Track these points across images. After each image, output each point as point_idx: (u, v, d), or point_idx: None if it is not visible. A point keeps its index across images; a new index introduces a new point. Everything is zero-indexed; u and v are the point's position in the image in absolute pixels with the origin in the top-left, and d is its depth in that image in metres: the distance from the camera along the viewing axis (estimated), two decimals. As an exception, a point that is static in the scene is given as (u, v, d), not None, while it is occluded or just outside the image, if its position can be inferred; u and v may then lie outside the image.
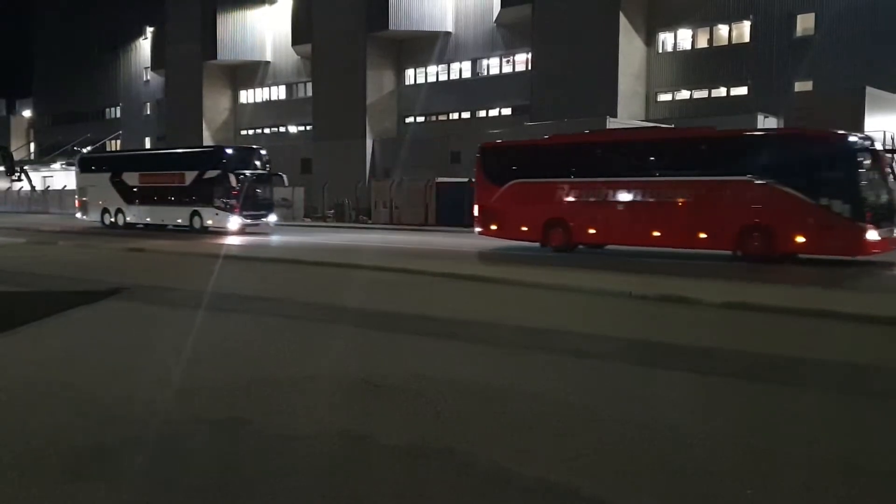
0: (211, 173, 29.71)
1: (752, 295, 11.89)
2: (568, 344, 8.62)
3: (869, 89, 26.56)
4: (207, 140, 59.16)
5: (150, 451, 5.17)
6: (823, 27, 34.24)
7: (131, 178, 33.26)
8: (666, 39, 39.86)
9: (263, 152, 31.74)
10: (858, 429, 5.72)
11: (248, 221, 29.74)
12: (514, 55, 45.53)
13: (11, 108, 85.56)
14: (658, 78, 39.90)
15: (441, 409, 6.04)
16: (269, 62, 58.07)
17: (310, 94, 53.21)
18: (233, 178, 28.98)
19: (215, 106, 60.03)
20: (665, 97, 40.05)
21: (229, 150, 31.41)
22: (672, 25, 39.27)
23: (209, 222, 30.06)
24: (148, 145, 67.35)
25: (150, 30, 64.99)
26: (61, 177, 63.20)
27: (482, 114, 47.43)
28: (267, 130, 59.39)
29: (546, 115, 36.68)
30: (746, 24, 36.84)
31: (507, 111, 45.77)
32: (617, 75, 38.22)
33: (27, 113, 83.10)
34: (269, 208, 31.06)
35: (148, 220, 32.59)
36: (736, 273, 15.65)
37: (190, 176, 30.61)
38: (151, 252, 21.18)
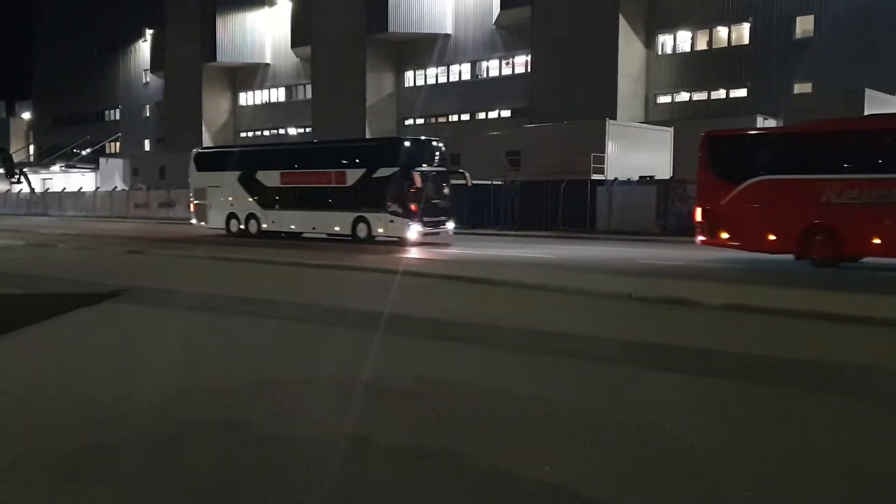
0: (384, 171, 24.33)
1: (752, 297, 11.88)
2: (568, 345, 8.62)
3: (868, 91, 26.60)
4: (206, 141, 59.17)
5: (150, 453, 5.17)
6: (822, 29, 34.31)
7: (269, 178, 27.75)
8: (665, 41, 39.92)
9: (441, 145, 26.33)
10: (859, 431, 5.72)
11: (429, 230, 24.35)
12: (513, 57, 45.61)
13: (11, 110, 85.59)
14: (657, 80, 39.96)
15: (440, 410, 6.05)
16: (268, 64, 58.15)
17: (309, 96, 53.31)
18: (417, 178, 23.60)
19: (215, 108, 60.10)
20: (664, 99, 40.10)
21: (408, 143, 25.54)
22: (671, 27, 39.34)
23: (379, 230, 24.63)
24: (147, 148, 67.39)
25: (149, 32, 65.07)
26: (61, 179, 63.25)
27: (481, 116, 47.51)
28: (266, 132, 59.46)
29: (545, 117, 36.74)
30: (746, 27, 36.91)
31: (506, 113, 45.84)
32: (616, 77, 38.28)
33: (27, 115, 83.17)
34: (449, 213, 25.58)
35: (292, 227, 27.35)
36: (735, 275, 15.64)
37: (354, 174, 25.25)
38: (151, 255, 21.18)
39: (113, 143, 71.01)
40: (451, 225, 25.44)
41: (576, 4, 39.14)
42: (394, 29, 47.21)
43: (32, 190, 60.93)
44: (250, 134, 60.61)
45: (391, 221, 24.24)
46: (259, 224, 28.18)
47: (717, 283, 14.13)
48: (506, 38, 45.48)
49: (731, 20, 37.34)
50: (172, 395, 6.54)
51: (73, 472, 4.81)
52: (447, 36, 47.91)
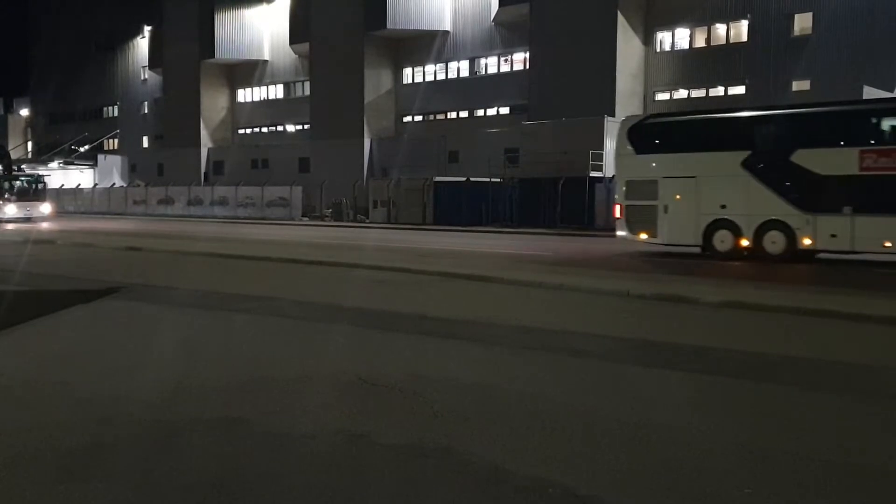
0: None
1: (750, 294, 11.89)
2: (565, 343, 8.62)
3: (866, 88, 26.60)
4: (206, 141, 59.07)
5: (148, 450, 5.16)
6: (821, 27, 34.30)
7: (832, 160, 17.35)
8: (664, 38, 39.91)
9: None
10: (857, 429, 5.72)
11: None
12: (512, 54, 45.57)
13: (9, 106, 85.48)
14: (656, 77, 39.94)
15: (438, 408, 6.04)
16: (266, 61, 58.07)
17: (307, 93, 53.23)
18: None
19: (213, 105, 60.02)
20: (663, 96, 40.09)
21: None
22: (670, 24, 39.31)
23: None
24: (146, 145, 67.25)
25: (147, 29, 64.98)
26: (59, 175, 63.22)
27: (480, 113, 47.49)
28: (265, 130, 59.39)
29: (544, 114, 36.73)
30: (744, 24, 36.90)
31: (504, 110, 45.82)
32: (615, 74, 38.27)
33: (24, 111, 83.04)
34: None
35: (887, 244, 16.84)
36: (733, 273, 15.65)
37: None
38: (149, 251, 21.16)
39: (111, 140, 70.92)
40: None
41: (575, 1, 39.11)
42: (392, 26, 47.15)
43: (30, 187, 60.92)
44: (249, 131, 60.52)
45: None
46: (795, 239, 17.77)
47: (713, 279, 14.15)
48: (504, 35, 45.44)
49: (729, 17, 37.32)
50: (170, 392, 6.53)
51: (71, 469, 4.80)
52: (446, 33, 47.86)
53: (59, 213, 47.60)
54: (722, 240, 18.66)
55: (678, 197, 19.21)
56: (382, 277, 14.91)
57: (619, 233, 20.65)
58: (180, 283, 13.92)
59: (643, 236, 20.03)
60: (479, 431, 5.50)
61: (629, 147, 20.35)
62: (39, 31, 76.64)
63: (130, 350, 8.44)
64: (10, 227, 34.24)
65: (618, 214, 20.57)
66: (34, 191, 41.36)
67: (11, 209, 38.87)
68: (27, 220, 38.74)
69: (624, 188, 20.36)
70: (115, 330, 9.75)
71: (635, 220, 20.03)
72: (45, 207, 40.94)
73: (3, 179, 40.35)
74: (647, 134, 20.38)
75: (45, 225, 35.89)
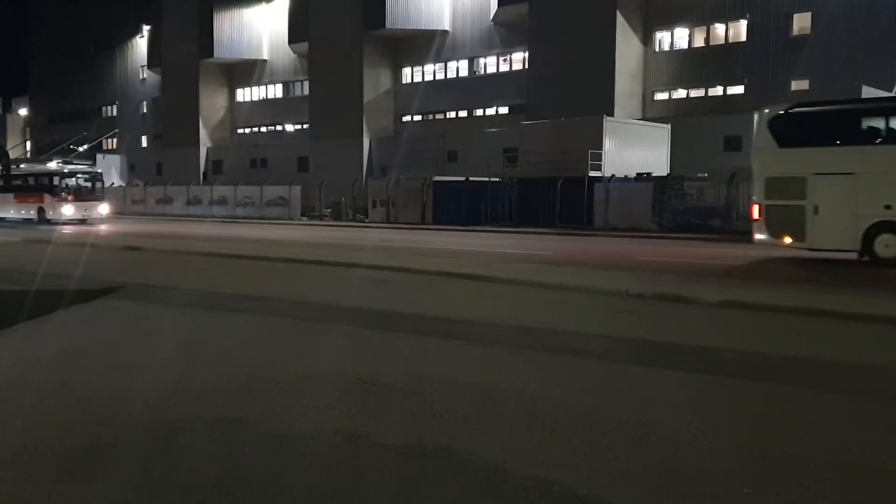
0: None
1: (749, 294, 11.89)
2: (565, 343, 8.62)
3: (865, 88, 26.60)
4: (204, 140, 59.03)
5: (147, 450, 5.16)
6: (820, 26, 34.34)
7: None
8: (663, 38, 39.92)
9: None
10: (857, 429, 5.72)
11: None
12: (510, 54, 45.58)
13: (8, 106, 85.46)
14: (655, 77, 39.96)
15: (438, 408, 6.04)
16: (265, 60, 58.06)
17: (307, 92, 53.23)
18: None
19: (212, 104, 60.00)
20: (662, 96, 40.11)
21: None
22: (669, 24, 39.33)
23: None
24: (145, 144, 67.23)
25: (146, 28, 64.96)
26: (57, 175, 63.17)
27: (479, 113, 47.51)
28: (264, 129, 59.37)
29: (543, 114, 36.72)
30: (743, 24, 36.94)
31: (503, 110, 45.82)
32: (614, 74, 38.28)
33: (23, 111, 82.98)
34: None
35: None
36: (732, 272, 15.63)
37: None
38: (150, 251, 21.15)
39: (110, 140, 70.84)
40: None
41: (573, 1, 39.13)
42: (391, 25, 47.15)
43: (29, 186, 60.84)
44: (248, 130, 60.49)
45: None
46: None
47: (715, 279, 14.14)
48: (503, 34, 45.46)
49: (728, 17, 37.35)
50: (169, 392, 6.53)
51: (71, 469, 4.80)
52: (445, 32, 47.87)
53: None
54: (886, 244, 16.24)
55: (827, 196, 16.70)
56: (382, 277, 14.90)
57: (758, 236, 17.97)
58: (180, 283, 13.90)
59: (787, 240, 17.42)
60: (479, 431, 5.50)
61: (771, 140, 17.65)
62: (38, 31, 76.57)
63: (130, 350, 8.44)
64: (66, 229, 32.41)
65: (756, 216, 17.90)
66: (91, 189, 38.60)
67: (69, 210, 36.49)
68: (82, 221, 36.66)
69: (763, 186, 17.72)
70: (114, 330, 9.74)
71: (777, 222, 17.45)
72: (104, 208, 38.52)
73: (62, 177, 37.43)
74: (794, 125, 17.66)
75: (102, 227, 33.94)
